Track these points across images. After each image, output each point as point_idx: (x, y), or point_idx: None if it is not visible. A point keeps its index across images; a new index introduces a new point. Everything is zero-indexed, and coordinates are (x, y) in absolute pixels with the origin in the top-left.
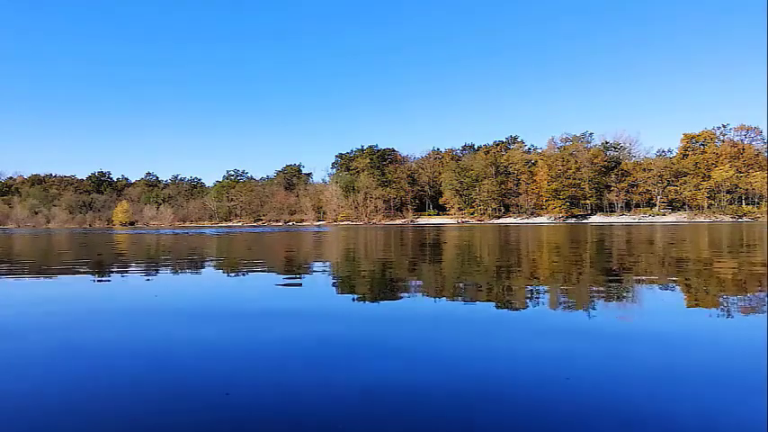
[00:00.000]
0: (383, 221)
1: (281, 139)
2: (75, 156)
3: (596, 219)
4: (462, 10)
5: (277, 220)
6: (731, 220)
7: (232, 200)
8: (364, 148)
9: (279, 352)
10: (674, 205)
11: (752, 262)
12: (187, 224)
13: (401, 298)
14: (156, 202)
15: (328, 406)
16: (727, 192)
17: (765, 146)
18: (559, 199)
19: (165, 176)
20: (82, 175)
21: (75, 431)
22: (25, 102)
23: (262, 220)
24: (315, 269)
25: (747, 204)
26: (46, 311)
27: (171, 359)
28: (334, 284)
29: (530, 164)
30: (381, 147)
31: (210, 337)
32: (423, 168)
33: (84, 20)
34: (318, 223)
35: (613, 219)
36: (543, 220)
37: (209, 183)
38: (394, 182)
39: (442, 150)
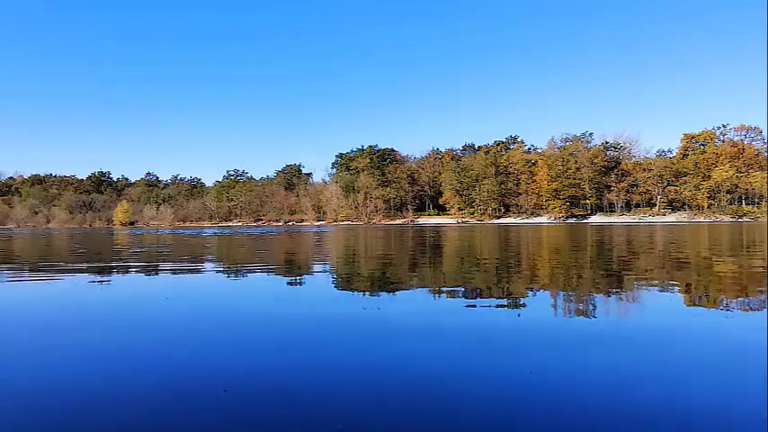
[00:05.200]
0: (383, 221)
1: (281, 139)
2: (75, 156)
3: (596, 219)
4: (462, 10)
5: (277, 220)
6: (731, 220)
7: (232, 200)
8: (364, 148)
9: (277, 349)
10: (674, 205)
11: (752, 262)
12: (187, 224)
13: (401, 298)
14: (156, 202)
15: (327, 404)
16: (727, 192)
17: (765, 146)
18: (559, 199)
19: (165, 176)
20: (82, 175)
21: (76, 430)
22: (25, 101)
23: (262, 220)
24: (318, 268)
25: (747, 204)
26: (51, 311)
27: (171, 357)
28: (334, 283)
29: (530, 164)
30: (381, 147)
31: (210, 335)
32: (423, 168)
33: (84, 19)
34: (318, 223)
35: (613, 219)
36: (543, 220)
37: (209, 183)
38: (394, 182)
39: (442, 150)
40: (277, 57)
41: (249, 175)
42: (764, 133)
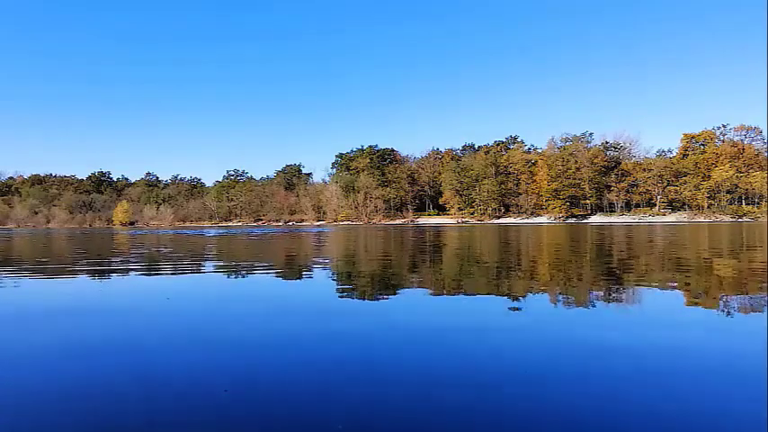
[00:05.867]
0: (383, 221)
1: (281, 139)
2: (76, 156)
3: (596, 219)
4: (462, 10)
5: (277, 220)
6: (731, 220)
7: (232, 200)
8: (364, 148)
9: (278, 349)
10: (674, 205)
11: (752, 262)
12: (187, 224)
13: (401, 297)
14: (156, 202)
15: (328, 404)
16: (727, 192)
17: (765, 146)
18: (559, 199)
19: (165, 176)
20: (82, 175)
21: (75, 429)
22: (25, 101)
23: (262, 220)
24: (319, 268)
25: (747, 204)
26: (50, 311)
27: (171, 357)
28: (335, 283)
29: (530, 164)
30: (381, 147)
31: (210, 335)
32: (423, 168)
33: (84, 19)
34: (318, 223)
35: (613, 219)
36: (543, 220)
37: (209, 183)
38: (394, 182)
39: (442, 150)
40: (277, 57)
41: (249, 175)
42: (764, 133)
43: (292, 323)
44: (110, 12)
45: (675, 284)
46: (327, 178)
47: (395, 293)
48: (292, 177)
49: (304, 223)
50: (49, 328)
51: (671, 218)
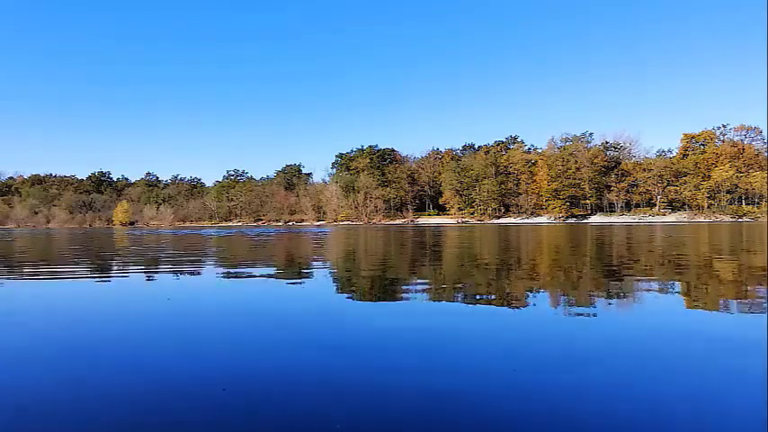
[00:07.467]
0: (383, 221)
1: (281, 139)
2: (76, 156)
3: (596, 219)
4: (462, 10)
5: (277, 220)
6: (731, 220)
7: (232, 200)
8: (364, 148)
9: (276, 348)
10: (674, 205)
11: (752, 262)
12: (187, 224)
13: (399, 298)
14: (156, 202)
15: (326, 403)
16: (727, 192)
17: (765, 146)
18: (559, 199)
19: (165, 176)
20: (82, 175)
21: (73, 429)
22: (25, 101)
23: (262, 220)
24: (319, 269)
25: (747, 204)
26: (51, 311)
27: (171, 356)
28: (334, 284)
29: (530, 164)
30: (381, 147)
31: (210, 335)
32: (423, 168)
33: (84, 19)
34: (318, 223)
35: (613, 219)
36: (543, 220)
37: (209, 183)
38: (394, 182)
39: (442, 150)
40: (277, 57)
41: (249, 175)
42: (764, 133)
43: (292, 323)
44: (110, 12)
45: (674, 284)
46: (327, 178)
47: (394, 295)
48: (292, 177)
49: (304, 223)
50: (49, 328)
51: (671, 218)
